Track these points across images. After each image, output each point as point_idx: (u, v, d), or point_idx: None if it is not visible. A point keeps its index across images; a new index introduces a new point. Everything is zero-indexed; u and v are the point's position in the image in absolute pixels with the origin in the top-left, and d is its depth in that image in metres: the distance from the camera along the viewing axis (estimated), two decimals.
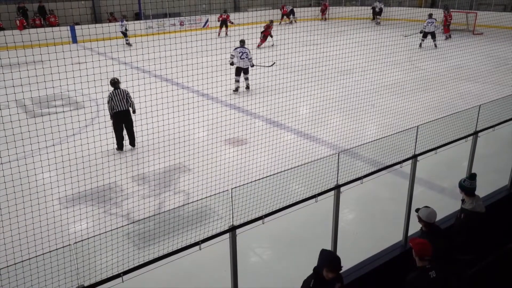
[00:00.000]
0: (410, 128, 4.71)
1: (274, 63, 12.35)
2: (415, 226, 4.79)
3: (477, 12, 20.82)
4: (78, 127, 9.28)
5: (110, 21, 22.54)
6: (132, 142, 8.09)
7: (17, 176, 5.45)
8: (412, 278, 3.49)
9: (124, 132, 7.97)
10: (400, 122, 8.53)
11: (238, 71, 11.63)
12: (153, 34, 20.48)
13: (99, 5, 23.81)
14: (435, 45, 16.98)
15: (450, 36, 19.28)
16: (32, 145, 6.26)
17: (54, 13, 22.35)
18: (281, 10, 26.03)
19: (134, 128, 7.95)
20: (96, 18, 24.08)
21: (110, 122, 7.81)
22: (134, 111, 8.01)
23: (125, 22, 20.46)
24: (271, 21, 18.62)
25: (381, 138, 4.72)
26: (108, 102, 7.96)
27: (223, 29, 22.61)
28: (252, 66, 11.77)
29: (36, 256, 2.83)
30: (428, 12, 18.83)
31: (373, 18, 26.34)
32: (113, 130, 7.86)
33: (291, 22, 25.93)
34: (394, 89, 10.93)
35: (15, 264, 2.76)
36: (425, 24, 16.97)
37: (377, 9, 26.04)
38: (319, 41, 16.31)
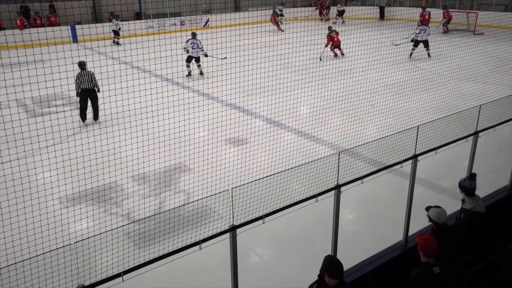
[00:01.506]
0: (411, 128, 4.71)
1: (225, 57, 12.58)
2: (416, 226, 4.80)
3: (477, 12, 20.82)
4: (78, 126, 9.30)
5: (110, 21, 22.54)
6: (96, 116, 9.68)
7: (17, 175, 5.45)
8: (416, 273, 3.50)
9: (89, 109, 9.53)
10: (400, 122, 8.53)
11: (189, 59, 13.38)
12: (153, 34, 20.49)
13: (99, 4, 23.80)
14: (429, 55, 15.26)
15: (447, 31, 19.56)
16: (33, 145, 6.27)
17: (56, 13, 22.40)
18: (319, 6, 26.74)
19: (102, 106, 9.02)
20: (97, 18, 24.08)
21: (109, 122, 7.81)
22: (98, 90, 9.47)
23: (119, 22, 20.74)
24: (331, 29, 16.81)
25: (382, 138, 4.72)
26: (75, 81, 9.33)
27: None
28: (206, 56, 13.31)
29: (36, 256, 2.83)
30: (420, 15, 19.01)
31: (381, 18, 26.31)
32: (78, 107, 9.48)
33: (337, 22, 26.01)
34: (394, 89, 10.93)
35: (15, 263, 2.76)
36: (417, 32, 15.04)
37: (383, 5, 26.10)
38: (319, 41, 16.32)
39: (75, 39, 21.17)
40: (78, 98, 9.47)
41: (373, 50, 14.04)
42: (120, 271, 3.05)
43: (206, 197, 3.83)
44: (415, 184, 4.71)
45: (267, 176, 3.86)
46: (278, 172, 4.00)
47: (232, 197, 3.44)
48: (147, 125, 7.32)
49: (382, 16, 26.40)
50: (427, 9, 20.49)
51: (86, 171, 5.80)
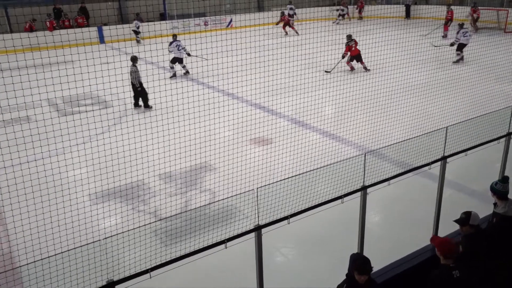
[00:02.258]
0: (439, 129, 4.61)
1: (207, 59, 12.56)
2: (444, 230, 4.70)
3: (508, 9, 20.21)
4: (107, 125, 9.50)
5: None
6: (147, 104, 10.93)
7: (49, 172, 5.61)
8: (435, 276, 3.42)
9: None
10: (428, 123, 8.36)
11: (174, 60, 13.61)
12: (178, 34, 20.74)
13: (125, 6, 24.25)
14: (462, 58, 14.39)
15: (477, 30, 18.98)
16: (64, 143, 6.44)
17: (87, 15, 22.97)
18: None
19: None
20: (123, 19, 24.55)
21: (136, 121, 7.95)
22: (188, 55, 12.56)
23: (139, 22, 21.58)
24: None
25: (409, 139, 4.65)
26: (134, 74, 10.40)
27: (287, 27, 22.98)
28: (189, 55, 13.32)
29: (68, 250, 2.91)
30: (447, 12, 18.45)
31: (406, 16, 25.87)
32: (133, 95, 10.80)
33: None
34: (422, 89, 10.73)
35: (48, 257, 2.85)
36: (458, 37, 14.11)
37: (410, 4, 25.65)
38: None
39: (102, 40, 21.66)
40: (139, 88, 10.67)
41: (400, 49, 13.81)
42: (147, 268, 3.10)
43: (231, 196, 3.86)
44: (444, 187, 4.62)
45: (292, 176, 3.86)
46: (303, 173, 3.99)
47: (257, 196, 3.45)
48: (173, 125, 7.41)
49: (408, 15, 25.93)
50: (451, 7, 20.01)
51: (115, 169, 5.93)
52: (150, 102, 10.80)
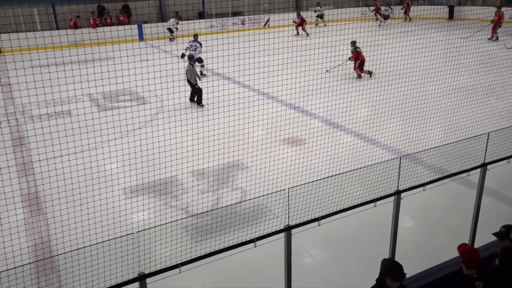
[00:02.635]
0: (480, 135, 4.45)
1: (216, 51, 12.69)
2: (481, 240, 4.53)
3: None
4: (144, 121, 9.74)
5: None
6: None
7: (88, 165, 5.82)
8: (454, 284, 3.31)
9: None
10: (468, 128, 8.07)
11: (200, 60, 13.52)
12: (217, 33, 21.00)
13: (165, 4, 24.74)
14: None
15: (497, 38, 17.96)
16: (102, 137, 6.66)
17: (129, 13, 23.60)
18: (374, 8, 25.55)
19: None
20: (163, 17, 25.06)
21: (172, 117, 8.11)
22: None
23: (175, 20, 21.70)
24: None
25: (447, 144, 4.51)
26: (191, 71, 10.66)
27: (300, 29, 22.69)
28: (182, 56, 13.10)
29: (102, 242, 3.01)
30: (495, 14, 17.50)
31: (450, 18, 25.03)
32: (192, 90, 10.81)
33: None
34: (463, 93, 10.36)
35: (84, 247, 2.95)
36: None
37: (454, 5, 24.74)
38: (382, 41, 15.84)
39: (141, 37, 22.18)
40: (196, 86, 10.86)
41: (441, 51, 13.40)
42: (178, 263, 3.15)
43: (263, 195, 3.88)
44: (482, 194, 4.45)
45: (324, 178, 3.82)
46: (336, 174, 3.95)
47: (288, 197, 3.44)
48: (208, 122, 7.52)
49: (451, 16, 25.08)
50: (501, 10, 19.13)
51: (150, 164, 6.07)
52: (182, 100, 10.96)
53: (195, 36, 13.78)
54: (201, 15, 25.40)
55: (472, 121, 8.49)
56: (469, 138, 4.60)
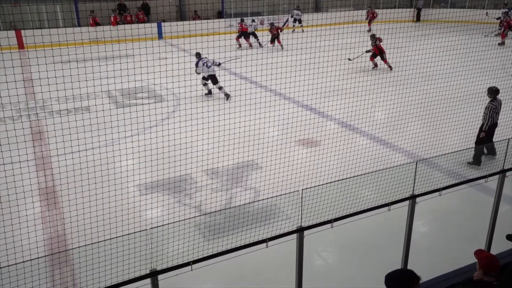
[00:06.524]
0: (499, 141, 4.37)
1: (239, 58, 12.06)
2: (498, 247, 4.44)
3: None
4: (160, 118, 9.83)
5: (193, 19, 23.52)
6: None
7: (104, 161, 5.91)
8: None
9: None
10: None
11: (206, 78, 11.41)
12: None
13: (184, 3, 24.93)
14: None
15: (503, 43, 17.56)
16: (119, 133, 6.75)
17: (148, 12, 23.81)
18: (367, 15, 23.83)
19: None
20: (182, 16, 25.27)
21: (189, 110, 8.16)
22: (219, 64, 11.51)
23: (255, 23, 19.90)
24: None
25: (465, 149, 4.44)
26: (199, 66, 10.86)
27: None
28: (219, 65, 11.62)
29: (116, 237, 3.05)
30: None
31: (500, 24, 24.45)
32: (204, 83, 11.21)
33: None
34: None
35: (98, 242, 3.00)
36: None
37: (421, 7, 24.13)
38: (401, 44, 15.63)
39: (160, 36, 22.39)
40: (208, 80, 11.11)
41: (460, 55, 13.16)
42: (189, 260, 3.17)
43: (275, 196, 3.88)
44: (500, 202, 4.36)
45: (338, 180, 3.80)
46: (350, 177, 3.92)
47: (301, 198, 3.44)
48: (223, 121, 7.55)
49: (418, 18, 24.77)
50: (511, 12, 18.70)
51: (164, 162, 6.13)
52: (198, 99, 10.91)
53: (198, 54, 11.22)
54: (220, 15, 25.52)
55: None
56: (488, 144, 4.52)
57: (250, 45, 19.50)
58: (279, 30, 18.74)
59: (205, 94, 11.56)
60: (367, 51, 13.91)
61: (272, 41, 18.78)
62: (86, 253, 2.93)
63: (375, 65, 14.24)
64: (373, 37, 13.79)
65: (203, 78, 11.42)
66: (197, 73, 11.20)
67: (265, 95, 10.52)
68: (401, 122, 8.52)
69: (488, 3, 25.59)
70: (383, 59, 13.80)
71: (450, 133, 8.42)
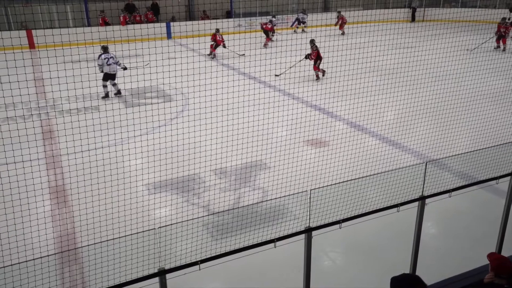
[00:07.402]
0: (511, 142, 4.31)
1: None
2: (509, 250, 4.40)
3: None
4: (169, 118, 9.87)
5: (202, 19, 23.57)
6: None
7: (114, 160, 5.94)
8: None
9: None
10: (499, 135, 7.83)
11: (106, 77, 11.31)
12: (244, 32, 21.06)
13: (193, 3, 25.00)
14: None
15: (504, 49, 17.15)
16: (129, 133, 6.79)
17: (158, 12, 23.89)
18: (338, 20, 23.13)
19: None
20: (190, 16, 25.34)
21: (197, 109, 8.18)
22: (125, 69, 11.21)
23: (273, 19, 20.21)
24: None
25: (476, 150, 4.39)
26: (100, 58, 10.81)
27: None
28: (125, 69, 11.28)
29: (125, 236, 3.07)
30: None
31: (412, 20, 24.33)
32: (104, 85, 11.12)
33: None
34: (494, 99, 10.06)
35: (107, 241, 3.02)
36: None
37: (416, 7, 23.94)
38: (411, 44, 15.54)
39: (169, 35, 22.47)
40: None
41: (472, 55, 13.05)
42: (197, 260, 3.18)
43: (284, 196, 3.87)
44: None
45: (347, 181, 3.79)
46: (359, 178, 3.91)
47: (310, 198, 3.43)
48: (232, 121, 7.56)
49: (413, 18, 24.58)
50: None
51: (173, 161, 6.15)
52: (207, 98, 10.75)
53: (105, 48, 11.30)
54: (229, 14, 25.56)
55: (502, 127, 8.24)
56: (499, 145, 4.47)
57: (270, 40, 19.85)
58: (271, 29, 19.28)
59: (102, 97, 11.35)
60: (306, 56, 12.63)
61: (268, 37, 19.13)
62: (95, 252, 2.95)
63: (319, 76, 12.90)
64: (312, 42, 12.61)
65: (103, 78, 11.30)
66: (98, 65, 11.09)
67: (274, 95, 10.51)
68: (411, 122, 8.46)
69: (499, 3, 25.32)
70: (315, 64, 12.65)
71: (460, 134, 8.34)
